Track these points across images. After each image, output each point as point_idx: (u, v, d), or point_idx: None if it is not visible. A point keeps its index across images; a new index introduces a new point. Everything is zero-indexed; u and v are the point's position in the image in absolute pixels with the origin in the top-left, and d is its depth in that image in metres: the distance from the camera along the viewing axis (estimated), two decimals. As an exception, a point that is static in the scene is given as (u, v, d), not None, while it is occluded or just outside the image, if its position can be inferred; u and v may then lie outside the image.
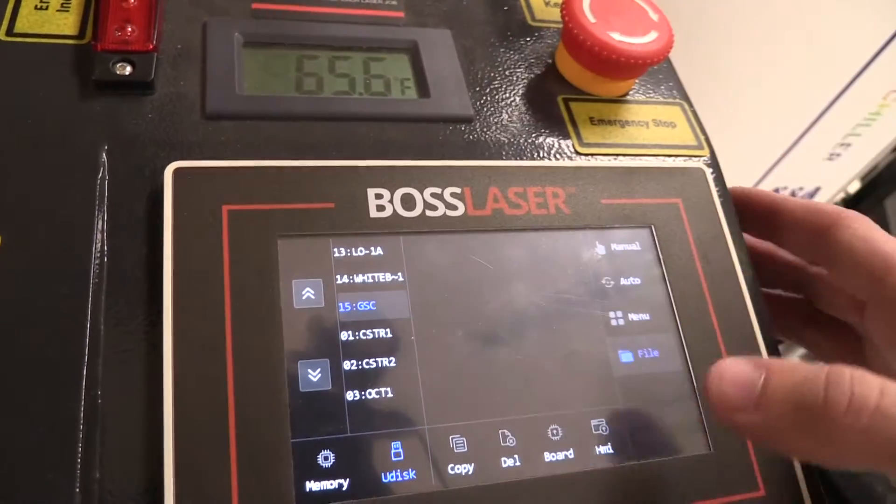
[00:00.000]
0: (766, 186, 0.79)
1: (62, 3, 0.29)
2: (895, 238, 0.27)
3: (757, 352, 0.28)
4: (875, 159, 0.80)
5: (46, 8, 0.29)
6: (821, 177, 0.81)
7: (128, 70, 0.27)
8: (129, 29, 0.28)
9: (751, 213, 0.32)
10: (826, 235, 0.28)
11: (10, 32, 0.28)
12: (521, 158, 0.30)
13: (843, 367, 0.21)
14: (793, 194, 0.82)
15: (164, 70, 0.28)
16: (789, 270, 0.33)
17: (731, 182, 0.33)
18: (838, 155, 0.77)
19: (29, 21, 0.28)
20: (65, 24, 0.28)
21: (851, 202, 0.91)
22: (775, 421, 0.21)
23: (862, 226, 0.28)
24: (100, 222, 0.24)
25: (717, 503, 0.25)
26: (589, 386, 0.26)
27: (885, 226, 0.96)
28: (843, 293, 0.30)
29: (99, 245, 0.24)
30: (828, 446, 0.21)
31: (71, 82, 0.27)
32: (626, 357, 0.27)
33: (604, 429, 0.25)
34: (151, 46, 0.27)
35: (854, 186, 0.90)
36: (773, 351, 0.28)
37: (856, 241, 0.27)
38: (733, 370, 0.22)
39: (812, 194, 0.84)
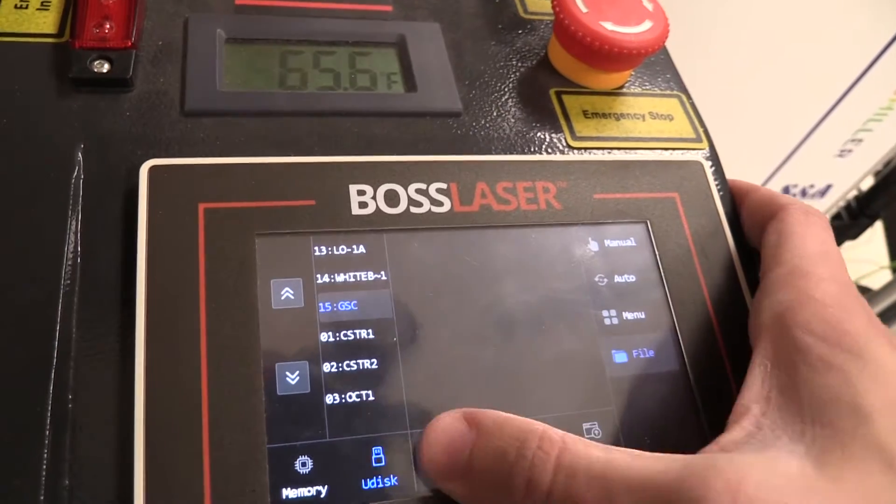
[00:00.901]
0: (776, 184, 0.77)
1: (42, 2, 0.28)
2: (820, 239, 0.24)
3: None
4: (888, 155, 0.79)
5: (26, 7, 0.28)
6: (832, 174, 0.79)
7: (105, 67, 0.26)
8: (108, 26, 0.27)
9: None
10: (767, 226, 0.26)
11: (-12, 31, 0.27)
12: (511, 153, 0.29)
13: (536, 432, 0.20)
14: (803, 192, 0.81)
15: (143, 67, 0.27)
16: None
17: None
18: (849, 151, 0.75)
19: (9, 20, 0.28)
20: (44, 22, 0.28)
21: (865, 199, 0.89)
22: (476, 493, 0.20)
23: (794, 219, 0.25)
24: (73, 223, 0.23)
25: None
26: (581, 387, 0.25)
27: (900, 223, 0.93)
28: None
29: (72, 246, 0.23)
30: None
31: (49, 80, 0.26)
32: (619, 357, 0.26)
33: (596, 432, 0.24)
34: (130, 43, 0.27)
35: (867, 183, 0.88)
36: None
37: (774, 235, 0.25)
38: (447, 431, 0.21)
39: (823, 192, 0.82)
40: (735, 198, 0.30)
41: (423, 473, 0.22)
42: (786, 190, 0.79)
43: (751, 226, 0.28)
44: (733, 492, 0.17)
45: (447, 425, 0.21)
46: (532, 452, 0.19)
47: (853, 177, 0.81)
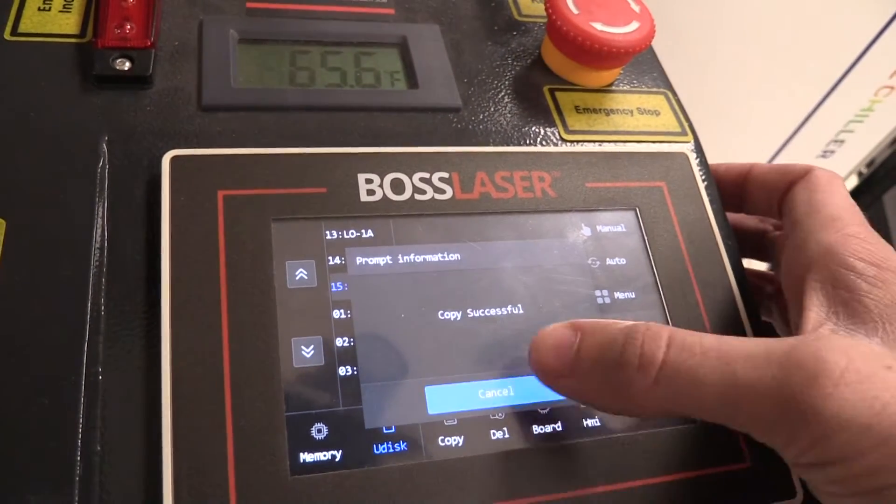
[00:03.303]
0: (762, 184, 0.79)
1: (64, 4, 0.30)
2: (845, 196, 0.27)
3: (741, 327, 0.28)
4: (870, 155, 0.81)
5: (49, 9, 0.30)
6: (816, 174, 0.81)
7: (127, 65, 0.28)
8: (129, 27, 0.29)
9: (721, 187, 0.32)
10: (788, 192, 0.29)
11: (14, 32, 0.29)
12: (508, 145, 0.31)
13: (641, 324, 0.22)
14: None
15: (161, 66, 0.29)
16: (751, 236, 0.33)
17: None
18: (832, 152, 0.78)
19: (32, 21, 0.29)
20: (66, 23, 0.30)
21: (848, 199, 0.92)
22: (587, 382, 0.23)
23: (821, 179, 0.28)
24: (100, 209, 0.25)
25: (702, 474, 0.26)
26: (576, 362, 0.26)
27: (883, 221, 0.96)
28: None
29: (99, 230, 0.25)
30: (631, 403, 0.22)
31: (73, 78, 0.28)
32: (612, 334, 0.27)
33: (591, 402, 0.26)
34: (150, 43, 0.29)
35: (851, 183, 0.91)
36: (757, 326, 0.29)
37: (804, 193, 0.27)
38: (553, 336, 0.23)
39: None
40: (732, 176, 0.32)
41: (537, 376, 0.24)
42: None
43: (766, 194, 0.30)
44: (847, 354, 0.20)
45: (553, 330, 0.23)
46: (641, 335, 0.22)
47: (837, 177, 0.83)
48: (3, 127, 0.26)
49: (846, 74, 0.67)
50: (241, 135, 0.28)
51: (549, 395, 0.25)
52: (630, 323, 0.23)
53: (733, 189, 0.32)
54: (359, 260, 0.26)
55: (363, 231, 0.26)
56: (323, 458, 0.23)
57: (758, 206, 0.31)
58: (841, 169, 0.82)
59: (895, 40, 0.65)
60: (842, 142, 0.76)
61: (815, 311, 0.23)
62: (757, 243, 0.34)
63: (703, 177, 0.32)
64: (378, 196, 0.27)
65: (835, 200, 0.27)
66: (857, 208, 0.27)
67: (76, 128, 0.26)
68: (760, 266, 0.37)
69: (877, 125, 0.75)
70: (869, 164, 0.87)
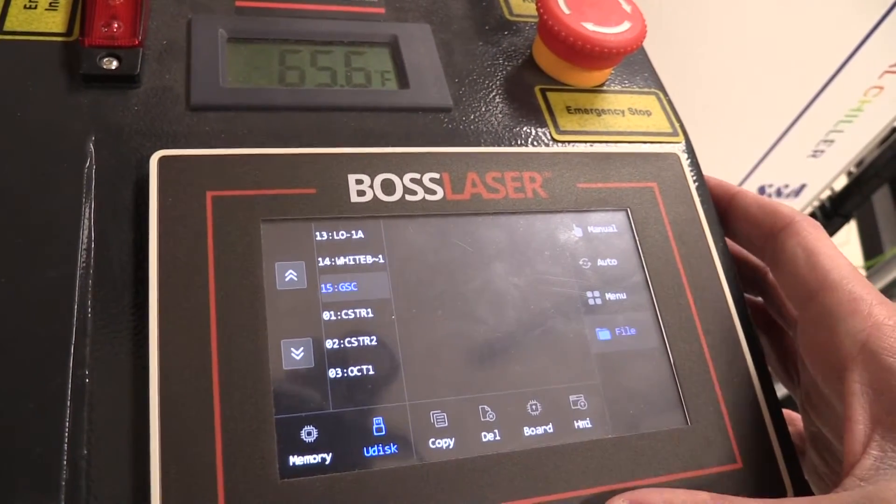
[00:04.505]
0: (751, 184, 0.80)
1: (50, 3, 0.30)
2: (840, 254, 0.27)
3: (732, 328, 0.28)
4: (860, 155, 0.82)
5: (35, 7, 0.30)
6: (805, 174, 0.82)
7: (114, 64, 0.28)
8: (116, 25, 0.28)
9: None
10: (775, 238, 0.28)
11: (-1, 31, 0.28)
12: (499, 146, 0.30)
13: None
14: (778, 192, 0.83)
15: (149, 65, 0.29)
16: (745, 267, 0.33)
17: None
18: (822, 152, 0.78)
19: (18, 20, 0.29)
20: (53, 22, 0.29)
21: (838, 199, 0.92)
22: None
23: (811, 235, 0.28)
24: (87, 209, 0.25)
25: (694, 476, 0.26)
26: (567, 363, 0.26)
27: (873, 221, 0.97)
28: (784, 300, 0.30)
29: (86, 231, 0.24)
30: None
31: (59, 77, 0.27)
32: (603, 335, 0.27)
33: (582, 404, 0.26)
34: (137, 42, 0.28)
35: (840, 182, 0.91)
36: (747, 326, 0.29)
37: (799, 251, 0.27)
38: None
39: (798, 191, 0.85)
40: (717, 197, 0.32)
41: None
42: (761, 190, 0.81)
43: (748, 230, 0.30)
44: None
45: None
46: None
47: (826, 177, 0.83)
48: (-12, 126, 0.26)
49: (835, 75, 0.67)
50: (230, 135, 0.27)
51: (540, 397, 0.25)
52: (693, 495, 0.23)
53: (718, 210, 0.32)
54: (349, 261, 0.26)
55: (353, 232, 0.26)
56: (313, 461, 0.23)
57: (739, 238, 0.31)
58: (830, 169, 0.82)
59: (884, 41, 0.65)
60: (831, 142, 0.76)
61: (862, 424, 0.23)
62: (750, 276, 0.33)
63: (695, 177, 0.32)
64: (368, 197, 0.27)
65: (840, 265, 0.26)
66: (855, 267, 0.27)
67: (63, 127, 0.26)
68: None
69: (866, 125, 0.75)
70: (858, 164, 0.88)
